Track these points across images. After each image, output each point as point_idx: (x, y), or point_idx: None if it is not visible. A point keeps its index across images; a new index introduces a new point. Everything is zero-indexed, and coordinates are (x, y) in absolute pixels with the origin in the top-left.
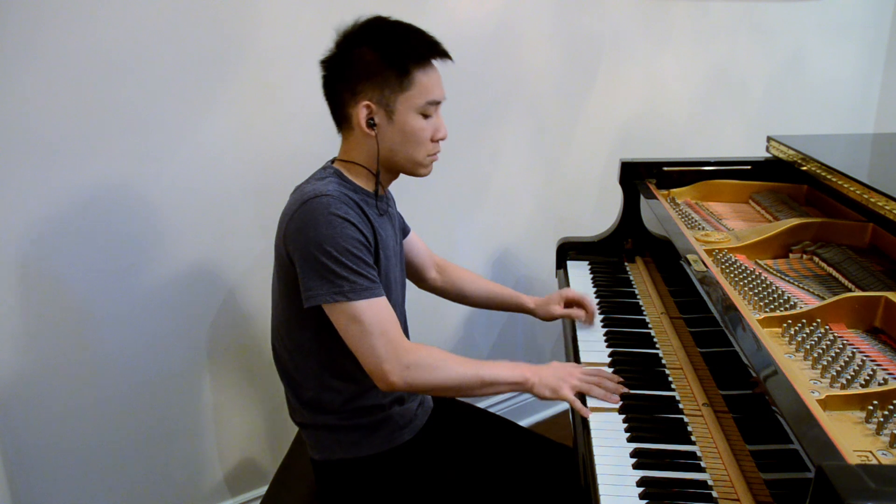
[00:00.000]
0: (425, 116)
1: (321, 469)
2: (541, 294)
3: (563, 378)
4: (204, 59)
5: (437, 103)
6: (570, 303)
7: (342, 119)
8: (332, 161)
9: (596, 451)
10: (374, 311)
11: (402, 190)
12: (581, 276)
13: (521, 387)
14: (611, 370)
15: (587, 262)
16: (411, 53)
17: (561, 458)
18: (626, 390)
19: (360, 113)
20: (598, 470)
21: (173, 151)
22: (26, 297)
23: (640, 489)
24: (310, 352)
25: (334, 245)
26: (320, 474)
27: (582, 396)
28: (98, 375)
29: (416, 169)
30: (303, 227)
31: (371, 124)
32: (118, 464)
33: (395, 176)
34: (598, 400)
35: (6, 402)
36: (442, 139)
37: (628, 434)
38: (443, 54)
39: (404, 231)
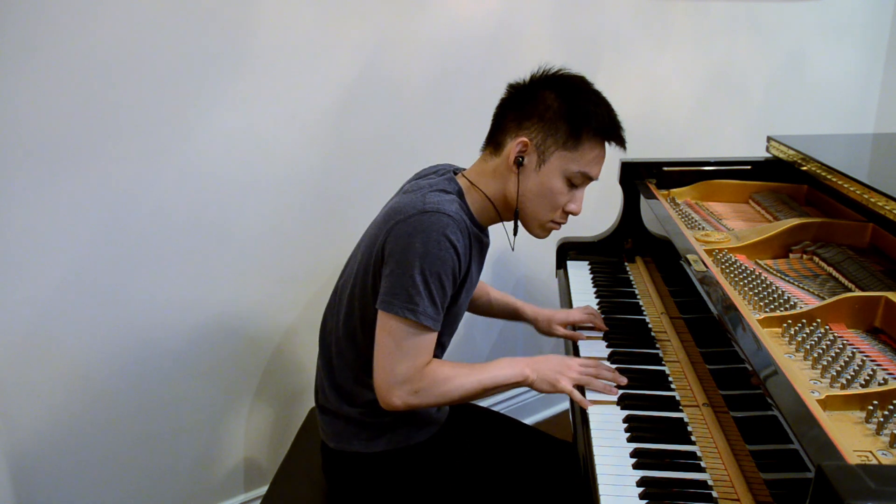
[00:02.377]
0: (570, 184)
1: (333, 457)
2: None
3: (562, 371)
4: (204, 59)
5: (588, 180)
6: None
7: (495, 143)
8: (455, 172)
9: (596, 450)
10: (420, 339)
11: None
12: (581, 276)
13: (521, 383)
14: (612, 367)
15: (587, 262)
16: (592, 122)
17: (563, 453)
18: (624, 380)
19: (515, 146)
20: (598, 470)
21: (173, 152)
22: (28, 297)
23: (640, 489)
24: (358, 344)
25: (431, 266)
26: (331, 462)
27: (581, 389)
28: (97, 376)
29: (532, 226)
30: (412, 234)
31: (519, 162)
32: (118, 464)
33: (506, 219)
34: (597, 393)
35: (9, 400)
36: (573, 213)
37: (628, 434)
38: (620, 141)
39: None
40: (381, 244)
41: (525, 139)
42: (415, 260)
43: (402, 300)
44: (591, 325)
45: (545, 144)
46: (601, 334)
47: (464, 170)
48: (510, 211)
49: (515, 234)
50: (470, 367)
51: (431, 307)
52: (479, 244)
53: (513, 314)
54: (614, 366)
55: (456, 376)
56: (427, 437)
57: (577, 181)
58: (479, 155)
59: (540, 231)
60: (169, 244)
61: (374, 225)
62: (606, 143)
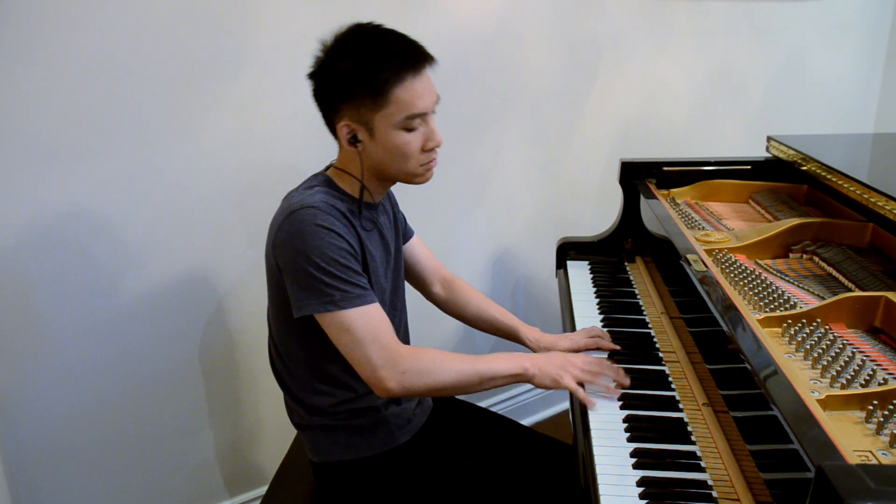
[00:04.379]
0: (409, 130)
1: (320, 471)
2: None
3: (564, 367)
4: (203, 61)
5: (422, 115)
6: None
7: (331, 132)
8: (328, 167)
9: (596, 451)
10: (365, 318)
11: (401, 189)
12: (581, 276)
13: (520, 378)
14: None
15: (587, 262)
16: (384, 69)
17: (561, 456)
18: (628, 382)
19: (342, 132)
20: (598, 470)
21: (171, 153)
22: (25, 297)
23: (640, 489)
24: (299, 359)
25: (321, 255)
26: (319, 476)
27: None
28: (97, 376)
29: (410, 179)
30: (289, 239)
31: (353, 142)
32: (118, 464)
33: (392, 183)
34: (598, 392)
35: (6, 402)
36: (436, 146)
37: (628, 434)
38: (418, 60)
39: (406, 235)
40: (274, 259)
41: (345, 122)
42: (301, 260)
43: (316, 299)
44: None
45: (362, 116)
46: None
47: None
48: (387, 179)
49: (360, 208)
50: (463, 355)
51: (349, 286)
52: (368, 221)
53: (511, 335)
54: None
55: (447, 359)
56: (410, 436)
57: (416, 123)
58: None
59: (418, 179)
60: (168, 245)
61: (265, 246)
62: (416, 74)
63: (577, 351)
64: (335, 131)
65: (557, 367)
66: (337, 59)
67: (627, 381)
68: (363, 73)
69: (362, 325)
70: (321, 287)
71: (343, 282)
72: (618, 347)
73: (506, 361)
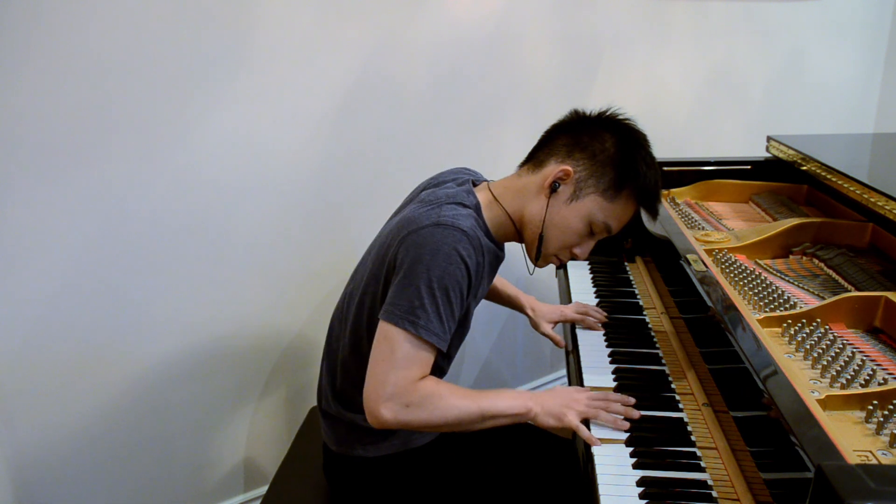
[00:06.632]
0: (590, 230)
1: (335, 460)
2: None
3: (568, 404)
4: (203, 60)
5: (606, 233)
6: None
7: (537, 160)
8: (476, 184)
9: (595, 450)
10: (417, 352)
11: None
12: (581, 276)
13: (522, 418)
14: (612, 367)
15: (587, 262)
16: (637, 183)
17: (561, 454)
18: (636, 414)
19: (556, 171)
20: (598, 470)
21: (171, 153)
22: (27, 299)
23: (640, 489)
24: (363, 352)
25: (439, 279)
26: (333, 465)
27: (587, 423)
28: (99, 375)
29: (535, 251)
30: (423, 245)
31: (553, 188)
32: (120, 463)
33: (513, 240)
34: (605, 427)
35: (8, 402)
36: (575, 258)
37: (628, 434)
38: (653, 212)
39: None
40: (394, 254)
41: (569, 168)
42: (423, 272)
43: (403, 311)
44: (582, 323)
45: (586, 183)
46: (601, 333)
47: (484, 180)
48: (524, 232)
49: (537, 259)
50: (469, 390)
51: (437, 322)
52: (495, 258)
53: (510, 302)
54: (613, 365)
55: (452, 396)
56: (430, 439)
57: (598, 230)
58: (515, 170)
59: (539, 259)
60: (168, 246)
61: (387, 233)
62: (637, 210)
63: (566, 321)
64: (544, 164)
65: (560, 404)
66: (615, 134)
67: (636, 414)
68: (625, 167)
69: (412, 355)
70: (415, 305)
71: (437, 314)
72: (604, 318)
73: (510, 399)
